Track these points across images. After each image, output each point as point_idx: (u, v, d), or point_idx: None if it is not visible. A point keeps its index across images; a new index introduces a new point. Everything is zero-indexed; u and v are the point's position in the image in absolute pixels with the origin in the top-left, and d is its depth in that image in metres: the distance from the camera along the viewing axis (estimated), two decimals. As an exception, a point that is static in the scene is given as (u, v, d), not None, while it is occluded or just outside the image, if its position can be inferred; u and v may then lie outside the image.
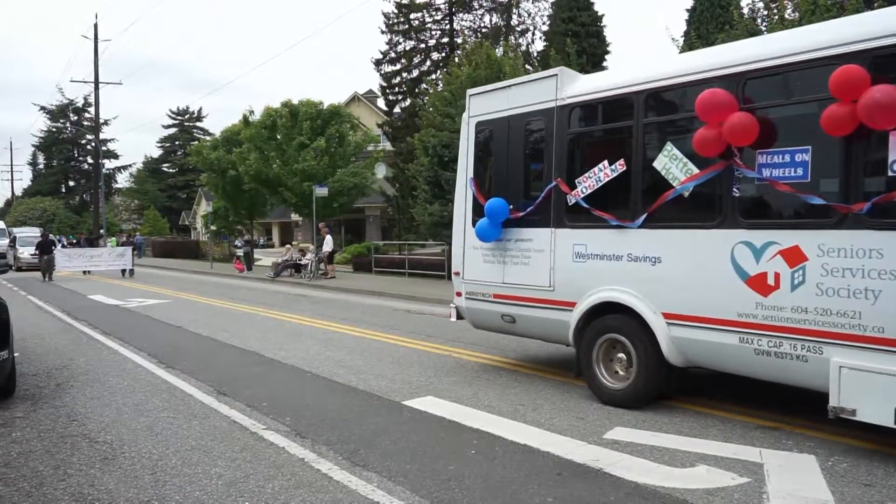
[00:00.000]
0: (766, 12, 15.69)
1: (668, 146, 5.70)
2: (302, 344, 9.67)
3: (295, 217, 39.50)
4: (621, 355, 6.13)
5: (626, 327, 5.98)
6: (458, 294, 7.76)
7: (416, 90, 31.94)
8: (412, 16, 33.15)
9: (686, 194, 5.59)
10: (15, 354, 6.80)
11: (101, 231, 37.41)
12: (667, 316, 5.67)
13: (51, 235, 29.77)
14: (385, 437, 5.22)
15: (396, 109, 33.98)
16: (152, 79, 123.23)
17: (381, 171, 30.04)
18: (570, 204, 6.49)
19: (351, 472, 4.48)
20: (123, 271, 25.56)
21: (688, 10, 41.93)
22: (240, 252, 27.40)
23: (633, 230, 5.92)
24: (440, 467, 4.56)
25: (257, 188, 29.93)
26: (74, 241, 32.26)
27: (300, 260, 23.25)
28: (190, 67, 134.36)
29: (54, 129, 67.61)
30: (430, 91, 23.85)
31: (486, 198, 7.21)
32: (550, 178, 6.65)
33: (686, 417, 5.71)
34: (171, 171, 74.95)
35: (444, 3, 32.93)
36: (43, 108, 65.85)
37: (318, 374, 7.65)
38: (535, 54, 36.50)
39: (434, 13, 33.22)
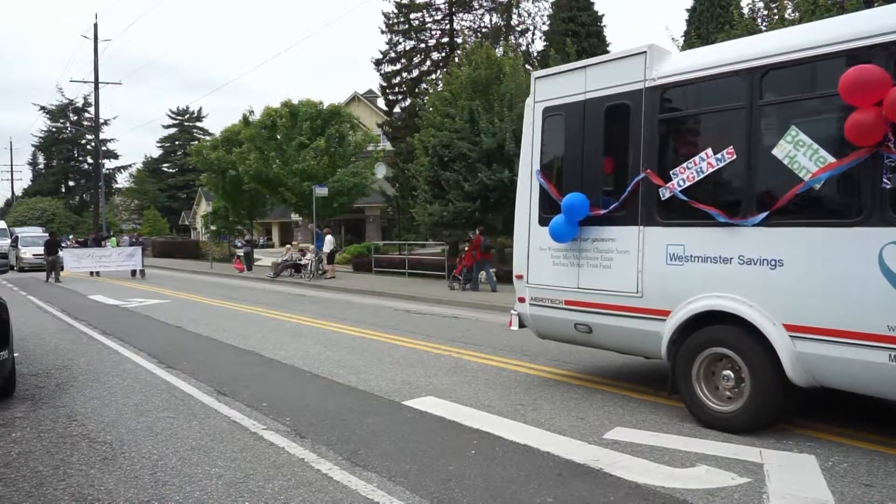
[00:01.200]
0: (766, 12, 15.69)
1: (793, 131, 4.91)
2: (302, 344, 9.67)
3: (295, 217, 39.49)
4: (727, 372, 5.32)
5: (736, 341, 5.20)
6: (521, 300, 7.01)
7: (416, 90, 31.93)
8: (412, 16, 33.13)
9: (818, 187, 4.81)
10: (15, 354, 6.80)
11: (111, 232, 37.31)
12: (790, 328, 4.91)
13: (64, 237, 29.38)
14: (385, 437, 5.22)
15: (396, 109, 33.97)
16: (152, 79, 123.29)
17: (381, 171, 30.05)
18: (663, 198, 5.71)
19: (351, 472, 4.48)
20: (133, 272, 24.90)
21: (688, 10, 41.92)
22: (240, 252, 27.40)
23: (747, 228, 5.14)
24: (440, 467, 4.56)
25: (257, 188, 29.93)
26: (82, 240, 30.98)
27: (300, 260, 23.25)
28: (190, 67, 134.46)
29: (54, 129, 67.62)
30: (430, 91, 23.84)
31: (558, 192, 6.52)
32: (638, 169, 5.88)
33: (686, 417, 5.70)
34: (171, 171, 74.97)
35: (444, 3, 32.91)
36: (43, 108, 65.91)
37: (318, 374, 7.65)
38: (535, 54, 36.50)
39: (434, 13, 33.20)
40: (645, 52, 5.93)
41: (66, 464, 4.73)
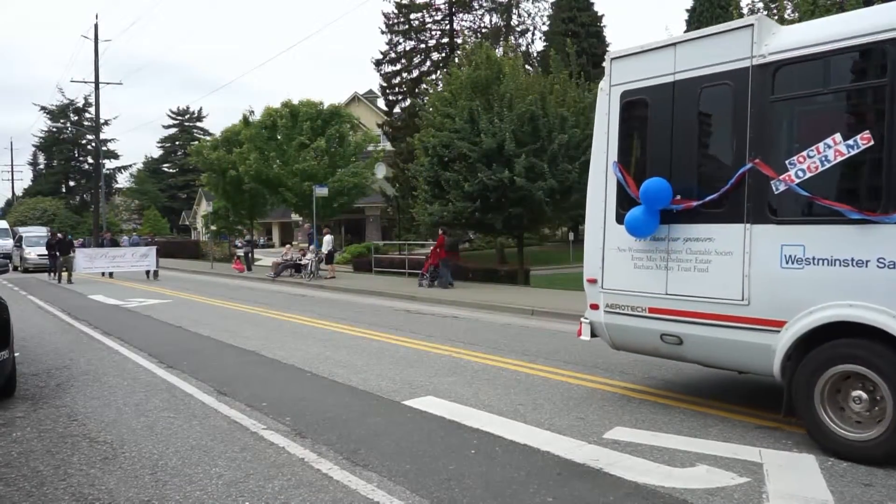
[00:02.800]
0: (765, 12, 15.70)
1: None
2: (302, 344, 9.67)
3: (295, 217, 39.51)
4: (859, 393, 4.65)
5: (872, 357, 4.53)
6: (594, 306, 6.34)
7: (416, 90, 31.97)
8: (412, 16, 33.17)
9: None
10: (15, 354, 6.80)
11: (111, 232, 37.02)
12: None
13: (69, 235, 27.65)
14: (385, 437, 5.22)
15: (396, 109, 34.01)
16: (152, 79, 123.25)
17: (381, 171, 30.06)
18: (776, 191, 5.02)
19: (351, 472, 4.48)
20: (148, 273, 24.23)
21: (688, 11, 41.96)
22: (240, 252, 27.40)
23: (888, 226, 4.48)
24: (440, 467, 4.57)
25: (257, 188, 29.96)
26: (101, 241, 29.82)
27: (300, 260, 23.26)
28: (190, 67, 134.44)
29: (54, 130, 67.59)
30: (430, 91, 23.86)
31: (638, 187, 5.85)
32: (743, 158, 5.20)
33: (686, 417, 5.71)
34: (171, 171, 75.00)
35: (444, 3, 32.97)
36: (43, 108, 65.83)
37: (318, 373, 7.65)
38: (535, 54, 36.53)
39: (434, 13, 33.26)
40: (752, 24, 5.22)
41: (66, 463, 4.73)
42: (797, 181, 4.91)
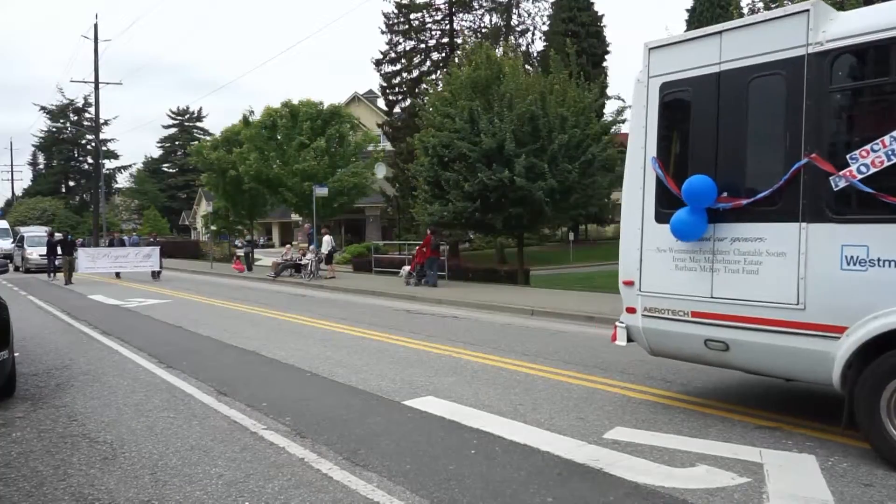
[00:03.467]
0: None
1: None
2: (302, 344, 9.67)
3: (295, 217, 39.52)
4: None
5: None
6: (631, 310, 6.07)
7: (416, 90, 31.94)
8: (412, 16, 33.15)
9: None
10: (15, 354, 6.80)
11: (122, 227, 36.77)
12: None
13: (70, 235, 27.11)
14: (385, 437, 5.22)
15: (396, 109, 33.99)
16: (152, 79, 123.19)
17: (381, 171, 30.07)
18: (836, 188, 4.71)
19: (351, 472, 4.48)
20: (153, 273, 23.76)
21: (688, 11, 41.97)
22: (240, 252, 27.38)
23: None
24: (440, 467, 4.57)
25: (257, 188, 29.97)
26: (111, 241, 29.03)
27: (300, 260, 23.26)
28: (190, 67, 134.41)
29: (54, 129, 67.60)
30: (430, 91, 23.85)
31: (678, 184, 5.53)
32: (798, 153, 4.89)
33: (686, 417, 5.70)
34: (171, 171, 75.01)
35: (444, 3, 32.93)
36: (43, 108, 65.86)
37: (318, 373, 7.65)
38: (535, 54, 36.52)
39: (434, 13, 33.22)
40: (808, 10, 4.88)
41: (66, 464, 4.73)
42: (860, 177, 4.58)
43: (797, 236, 4.92)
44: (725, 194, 5.30)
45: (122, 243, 26.07)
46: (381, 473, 4.46)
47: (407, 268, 20.46)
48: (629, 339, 6.18)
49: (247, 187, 30.47)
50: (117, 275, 24.26)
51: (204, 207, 48.13)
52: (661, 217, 5.73)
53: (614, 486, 4.20)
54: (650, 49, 5.92)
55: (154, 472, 4.55)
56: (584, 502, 3.98)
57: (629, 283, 6.08)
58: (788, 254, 4.96)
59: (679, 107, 5.78)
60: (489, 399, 6.40)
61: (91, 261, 23.37)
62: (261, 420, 5.74)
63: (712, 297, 5.41)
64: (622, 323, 6.22)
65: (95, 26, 41.01)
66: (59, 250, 23.48)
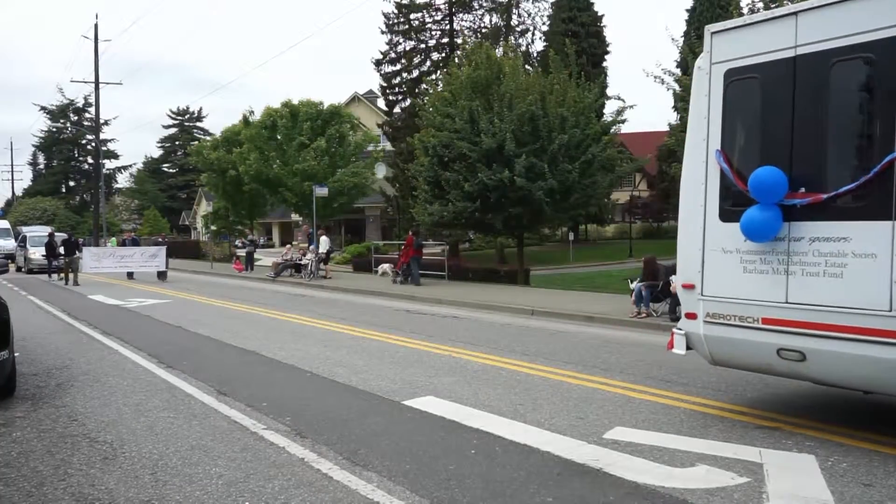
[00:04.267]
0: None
1: None
2: (302, 344, 9.67)
3: (295, 217, 39.54)
4: None
5: None
6: (691, 316, 5.63)
7: (416, 90, 31.92)
8: (412, 16, 33.12)
9: None
10: (15, 354, 6.81)
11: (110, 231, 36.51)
12: None
13: (73, 235, 26.32)
14: (385, 437, 5.22)
15: (396, 109, 33.97)
16: (152, 79, 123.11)
17: (381, 171, 30.09)
18: None
19: (351, 472, 4.48)
20: (160, 274, 23.20)
21: (688, 11, 41.92)
22: (241, 252, 27.36)
23: None
24: (440, 467, 4.57)
25: (257, 188, 29.97)
26: (123, 241, 28.06)
27: (300, 260, 23.27)
28: (190, 67, 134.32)
29: (54, 129, 67.61)
30: (430, 91, 23.84)
31: (744, 179, 5.13)
32: (891, 144, 4.49)
33: (686, 417, 5.71)
34: (171, 171, 75.02)
35: (444, 3, 32.91)
36: (43, 108, 65.86)
37: (318, 373, 7.65)
38: (535, 54, 36.51)
39: (434, 13, 33.19)
40: None
41: (66, 463, 4.73)
42: None
43: (889, 236, 4.48)
44: (803, 189, 4.84)
45: (135, 243, 25.49)
46: (381, 473, 4.46)
47: (384, 266, 22.31)
48: (688, 348, 5.73)
49: (247, 187, 30.48)
50: (130, 275, 23.55)
51: (204, 207, 48.16)
52: (727, 215, 5.32)
53: (614, 486, 4.20)
54: (713, 34, 5.50)
55: (154, 471, 4.55)
56: (584, 502, 3.98)
57: (689, 287, 5.63)
58: (878, 255, 4.53)
59: (747, 95, 5.33)
60: (489, 399, 6.40)
61: (96, 261, 23.00)
62: (261, 420, 5.74)
63: (787, 303, 4.99)
64: (680, 330, 5.76)
65: (95, 26, 41.02)
66: (61, 250, 22.96)
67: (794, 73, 5.01)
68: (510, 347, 9.27)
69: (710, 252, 5.47)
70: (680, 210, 5.86)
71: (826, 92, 4.86)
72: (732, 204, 5.30)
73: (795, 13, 5.03)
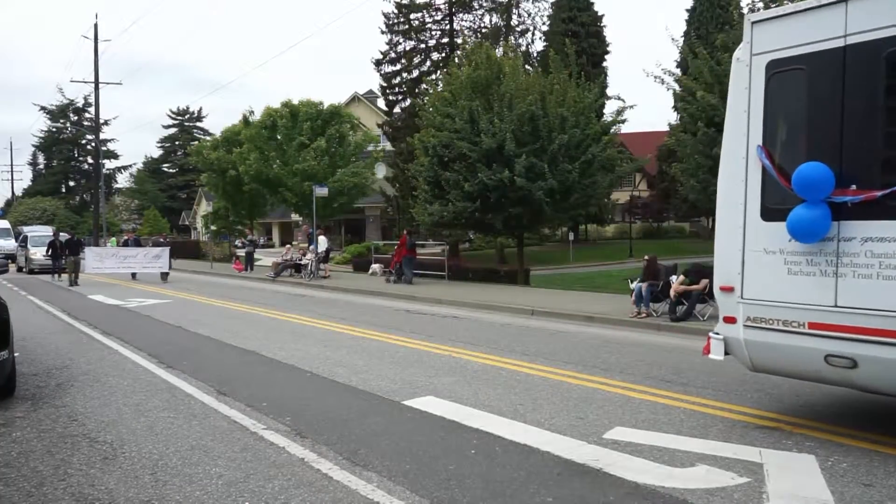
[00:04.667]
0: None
1: None
2: (302, 344, 9.67)
3: (295, 217, 39.55)
4: None
5: None
6: (730, 319, 5.38)
7: (416, 90, 31.91)
8: (412, 16, 33.11)
9: None
10: (15, 354, 6.81)
11: (109, 231, 36.52)
12: None
13: (75, 235, 25.98)
14: (385, 437, 5.22)
15: (396, 109, 33.96)
16: (152, 79, 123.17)
17: (381, 171, 30.08)
18: None
19: (351, 472, 4.48)
20: (162, 275, 22.87)
21: (688, 11, 41.90)
22: (241, 252, 27.34)
23: None
24: (440, 467, 4.57)
25: (257, 188, 29.97)
26: (125, 241, 27.51)
27: (300, 260, 23.28)
28: (190, 67, 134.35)
29: (54, 130, 67.63)
30: (430, 91, 23.84)
31: (788, 175, 4.90)
32: None
33: (686, 417, 5.71)
34: (171, 171, 75.03)
35: (444, 3, 32.89)
36: (43, 108, 65.90)
37: (318, 373, 7.65)
38: (535, 54, 36.50)
39: (434, 13, 33.18)
40: None
41: (66, 463, 4.73)
42: None
43: None
44: (854, 187, 4.58)
45: (137, 243, 25.08)
46: (381, 473, 4.46)
47: (374, 266, 23.09)
48: (727, 353, 5.46)
49: (247, 187, 30.47)
50: (133, 275, 23.28)
51: (204, 207, 48.17)
52: (769, 214, 5.08)
53: (614, 486, 4.20)
54: (753, 23, 5.26)
55: (154, 471, 4.55)
56: (584, 502, 3.98)
57: (728, 290, 5.37)
58: None
59: (790, 87, 5.08)
60: (489, 399, 6.40)
61: (98, 261, 22.70)
62: (261, 420, 5.74)
63: (837, 307, 4.73)
64: (718, 334, 5.51)
65: (95, 26, 41.02)
66: (66, 251, 22.47)
67: (843, 64, 4.75)
68: (510, 347, 9.27)
69: (751, 253, 5.22)
70: (717, 209, 5.59)
71: (878, 83, 4.62)
72: (775, 202, 5.05)
73: (845, 0, 4.77)
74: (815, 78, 4.93)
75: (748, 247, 5.25)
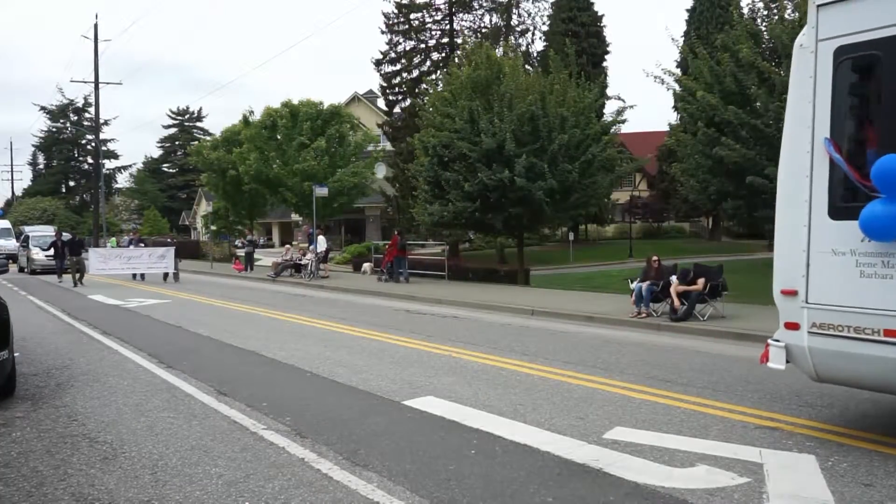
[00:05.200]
0: (766, 12, 15.70)
1: None
2: (302, 344, 9.67)
3: (295, 217, 39.54)
4: None
5: None
6: (792, 326, 5.04)
7: (416, 90, 31.90)
8: (412, 16, 33.09)
9: None
10: (15, 354, 6.81)
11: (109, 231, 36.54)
12: None
13: (76, 235, 25.71)
14: (385, 437, 5.22)
15: (396, 109, 33.94)
16: (152, 79, 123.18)
17: (381, 171, 30.07)
18: None
19: (351, 472, 4.48)
20: (166, 275, 22.67)
21: (688, 10, 41.90)
22: (241, 252, 27.34)
23: None
24: (440, 467, 4.56)
25: (257, 188, 29.97)
26: (130, 241, 27.03)
27: (300, 260, 23.28)
28: (190, 67, 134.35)
29: (54, 129, 67.64)
30: (430, 91, 23.84)
31: (860, 169, 4.61)
32: None
33: (686, 417, 5.70)
34: (171, 171, 75.04)
35: (444, 3, 32.87)
36: (43, 108, 65.90)
37: (318, 373, 7.65)
38: (535, 54, 36.49)
39: (434, 13, 33.16)
40: None
41: (66, 463, 4.73)
42: None
43: None
44: None
45: (138, 244, 24.75)
46: (381, 473, 4.46)
47: (366, 265, 24.05)
48: (787, 361, 5.14)
49: (247, 187, 30.47)
50: (142, 276, 23.03)
51: (204, 207, 48.14)
52: (839, 212, 4.74)
53: (614, 486, 4.20)
54: (819, 6, 4.91)
55: (154, 471, 4.55)
56: (584, 502, 3.98)
57: (790, 294, 5.02)
58: None
59: (862, 75, 4.80)
60: (489, 399, 6.40)
61: (103, 262, 22.29)
62: (261, 420, 5.74)
63: None
64: (779, 341, 5.14)
65: (95, 26, 41.04)
66: (67, 251, 22.11)
67: None
68: (510, 347, 9.26)
69: (818, 254, 4.85)
70: (777, 207, 5.22)
71: None
72: (846, 199, 4.72)
73: None
74: (889, 63, 4.57)
75: (814, 248, 4.88)
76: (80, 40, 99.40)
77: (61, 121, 67.01)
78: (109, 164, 66.50)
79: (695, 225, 50.97)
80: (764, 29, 15.12)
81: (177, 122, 75.18)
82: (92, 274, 22.25)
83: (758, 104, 13.43)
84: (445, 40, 32.89)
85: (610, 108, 23.96)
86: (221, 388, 6.93)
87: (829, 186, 4.81)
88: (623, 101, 23.64)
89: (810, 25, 4.97)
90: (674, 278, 11.61)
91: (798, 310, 4.96)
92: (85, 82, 42.80)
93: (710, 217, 46.00)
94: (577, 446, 4.97)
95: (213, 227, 36.24)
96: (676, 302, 11.12)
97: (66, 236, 24.26)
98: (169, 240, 29.10)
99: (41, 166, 71.70)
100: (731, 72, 13.77)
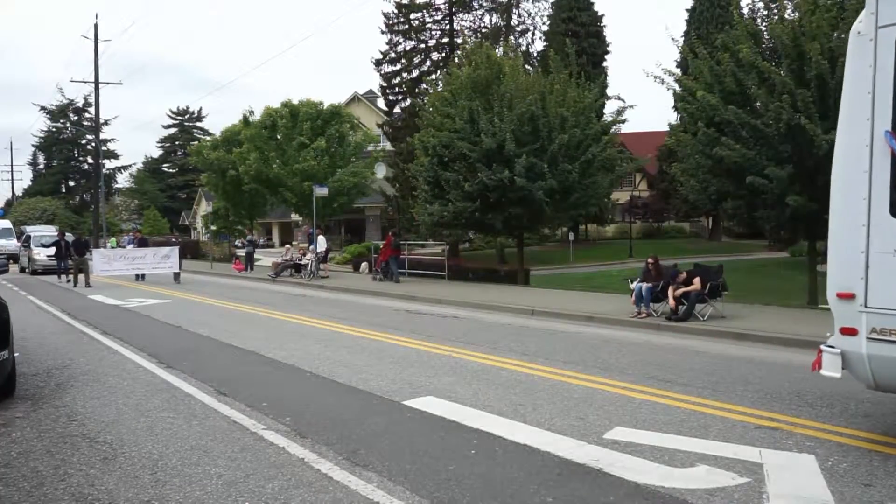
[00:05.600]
0: (766, 12, 15.68)
1: None
2: (302, 344, 9.67)
3: (295, 217, 39.55)
4: None
5: None
6: (849, 331, 4.76)
7: (416, 90, 31.92)
8: (412, 16, 33.11)
9: None
10: (15, 354, 6.80)
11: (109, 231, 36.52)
12: None
13: (82, 236, 25.37)
14: (385, 437, 5.22)
15: (396, 109, 33.97)
16: (152, 79, 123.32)
17: (381, 171, 30.07)
18: None
19: (351, 472, 4.48)
20: (176, 275, 22.37)
21: (688, 10, 41.91)
22: (241, 252, 27.34)
23: None
24: (440, 467, 4.56)
25: (257, 188, 29.97)
26: (132, 241, 26.82)
27: (300, 260, 23.28)
28: (190, 67, 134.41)
29: (54, 129, 67.64)
30: (430, 91, 23.83)
31: None
32: None
33: (686, 417, 5.70)
34: (171, 171, 75.08)
35: (444, 3, 32.89)
36: (43, 108, 65.91)
37: (318, 373, 7.65)
38: (535, 54, 36.50)
39: (434, 13, 33.18)
40: None
41: (66, 464, 4.73)
42: None
43: None
44: None
45: (143, 243, 24.51)
46: (381, 473, 4.46)
47: (364, 264, 24.53)
48: (843, 368, 4.87)
49: (247, 187, 30.46)
50: (142, 277, 22.65)
51: (204, 207, 48.16)
52: None
53: (614, 486, 4.20)
54: None
55: (154, 472, 4.55)
56: (584, 502, 3.98)
57: (847, 297, 4.74)
58: None
59: None
60: (489, 399, 6.40)
61: (107, 262, 22.03)
62: (261, 420, 5.74)
63: None
64: (833, 348, 4.88)
65: (95, 26, 41.05)
66: (72, 251, 21.94)
67: None
68: (510, 347, 9.26)
69: (878, 255, 4.57)
70: (832, 205, 4.91)
71: None
72: None
73: None
74: None
75: (874, 248, 4.60)
76: (80, 40, 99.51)
77: (61, 121, 67.01)
78: (109, 164, 66.58)
79: (695, 225, 50.98)
80: (764, 29, 15.10)
81: (177, 122, 75.20)
82: (96, 275, 22.01)
83: (758, 104, 13.42)
84: (445, 40, 32.91)
85: (610, 108, 23.91)
86: (221, 388, 6.93)
87: (892, 182, 4.52)
88: (623, 101, 23.53)
89: (869, 11, 4.64)
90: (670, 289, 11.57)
91: (856, 314, 4.70)
92: (85, 82, 42.88)
93: (710, 217, 46.01)
94: (577, 446, 4.97)
95: (213, 227, 36.24)
96: (673, 304, 11.12)
97: (69, 236, 24.20)
98: (173, 239, 28.79)
99: (41, 166, 71.70)
100: (731, 72, 13.75)
